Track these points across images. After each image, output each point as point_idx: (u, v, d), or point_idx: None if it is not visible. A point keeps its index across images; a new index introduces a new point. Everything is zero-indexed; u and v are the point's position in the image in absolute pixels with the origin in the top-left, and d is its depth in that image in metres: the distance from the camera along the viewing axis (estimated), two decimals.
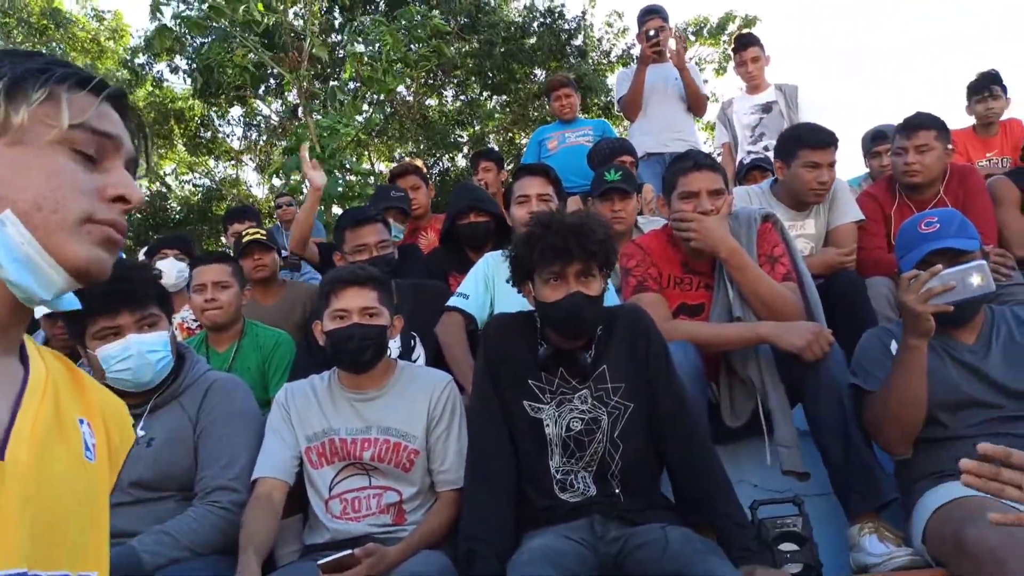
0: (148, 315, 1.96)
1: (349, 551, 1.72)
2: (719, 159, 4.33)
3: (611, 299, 2.35)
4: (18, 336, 0.81)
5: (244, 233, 3.47)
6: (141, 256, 4.32)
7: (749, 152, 4.60)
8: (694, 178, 2.32)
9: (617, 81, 5.22)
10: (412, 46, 7.90)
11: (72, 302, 0.84)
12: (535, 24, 13.09)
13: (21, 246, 0.74)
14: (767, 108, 4.67)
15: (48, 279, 0.76)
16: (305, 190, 7.95)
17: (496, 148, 13.57)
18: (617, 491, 1.86)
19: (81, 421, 0.85)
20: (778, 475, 2.13)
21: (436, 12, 8.02)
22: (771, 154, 3.49)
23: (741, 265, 2.24)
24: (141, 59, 13.35)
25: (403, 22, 7.69)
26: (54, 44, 14.92)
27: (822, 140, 2.85)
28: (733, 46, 4.90)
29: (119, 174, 0.81)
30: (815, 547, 1.85)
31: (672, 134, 4.78)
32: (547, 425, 1.89)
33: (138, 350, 1.92)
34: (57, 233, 0.75)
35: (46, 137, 0.76)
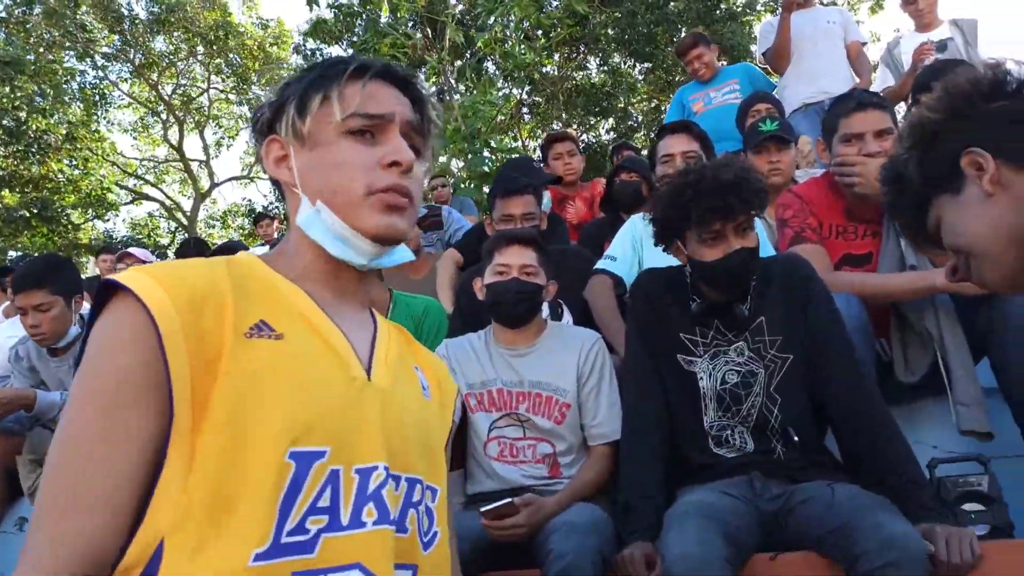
0: None
1: (509, 500, 1.80)
2: None
3: (766, 250, 2.26)
4: (363, 294, 1.00)
5: None
6: None
7: None
8: (857, 119, 2.16)
9: (761, 33, 4.85)
10: (543, 11, 7.82)
11: (402, 256, 0.99)
12: None
13: (333, 227, 0.90)
14: (942, 47, 4.21)
15: (358, 248, 0.92)
16: (456, 172, 8.22)
17: (640, 118, 13.21)
18: (777, 447, 1.80)
19: (416, 368, 1.03)
20: (960, 437, 1.94)
21: None
22: None
23: None
24: (312, 45, 14.28)
25: None
26: (229, 55, 16.47)
27: None
28: None
29: (392, 143, 0.92)
30: (1005, 507, 1.67)
31: (829, 80, 4.45)
32: (700, 378, 1.86)
33: None
34: (351, 210, 0.90)
35: (329, 133, 0.91)
